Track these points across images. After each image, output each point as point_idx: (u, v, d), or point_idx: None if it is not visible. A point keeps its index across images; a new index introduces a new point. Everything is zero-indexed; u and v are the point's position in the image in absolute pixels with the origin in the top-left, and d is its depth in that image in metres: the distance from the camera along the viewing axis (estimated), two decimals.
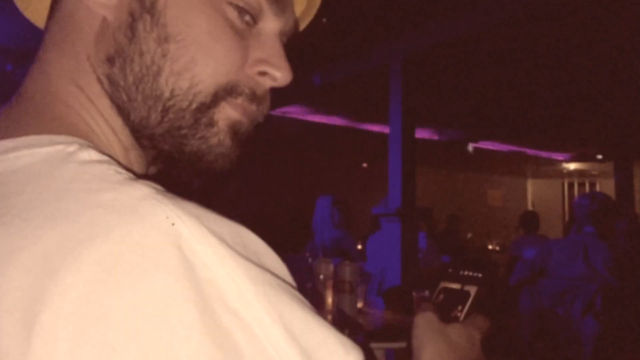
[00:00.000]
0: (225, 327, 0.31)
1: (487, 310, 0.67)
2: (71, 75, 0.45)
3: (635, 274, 2.96)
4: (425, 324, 0.62)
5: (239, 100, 0.47)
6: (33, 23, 0.55)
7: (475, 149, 8.04)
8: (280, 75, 0.49)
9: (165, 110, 0.45)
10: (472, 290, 0.68)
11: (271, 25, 0.49)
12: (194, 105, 0.45)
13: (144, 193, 0.34)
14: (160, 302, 0.30)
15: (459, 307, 0.67)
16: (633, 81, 5.04)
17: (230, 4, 0.46)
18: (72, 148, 0.38)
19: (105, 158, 0.38)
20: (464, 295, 0.68)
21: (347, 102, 5.96)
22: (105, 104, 0.45)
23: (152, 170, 0.52)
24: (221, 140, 0.47)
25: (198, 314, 0.30)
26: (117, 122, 0.46)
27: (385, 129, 4.36)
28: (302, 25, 0.60)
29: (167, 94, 0.44)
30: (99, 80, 0.45)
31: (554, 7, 3.49)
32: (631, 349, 2.80)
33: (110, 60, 0.44)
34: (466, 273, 0.70)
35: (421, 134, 6.97)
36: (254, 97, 0.48)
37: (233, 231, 0.35)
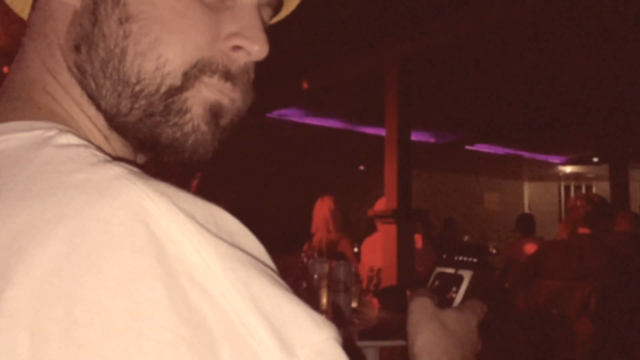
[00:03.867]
0: (192, 302, 0.30)
1: (483, 295, 0.67)
2: (46, 64, 0.45)
3: (630, 274, 2.97)
4: (420, 310, 0.62)
5: (214, 79, 0.45)
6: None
7: (472, 151, 8.05)
8: (256, 48, 0.45)
9: (135, 96, 0.43)
10: (467, 274, 0.68)
11: None
12: (163, 89, 0.43)
13: (116, 173, 0.34)
14: (125, 278, 0.30)
15: (454, 289, 0.67)
16: (629, 84, 5.06)
17: None
18: (50, 133, 0.38)
19: (84, 142, 0.38)
20: (458, 279, 0.68)
21: (343, 105, 5.96)
22: (77, 93, 0.45)
23: (141, 158, 0.51)
24: (195, 127, 0.45)
25: (164, 290, 0.30)
26: (91, 110, 0.45)
27: (382, 132, 4.36)
28: (293, 4, 0.57)
29: (133, 79, 0.43)
30: (70, 69, 0.45)
31: (550, 10, 3.50)
32: (626, 350, 2.80)
33: (77, 48, 0.44)
34: (461, 258, 0.71)
35: (417, 136, 6.97)
36: (228, 75, 0.45)
37: (205, 210, 0.35)
